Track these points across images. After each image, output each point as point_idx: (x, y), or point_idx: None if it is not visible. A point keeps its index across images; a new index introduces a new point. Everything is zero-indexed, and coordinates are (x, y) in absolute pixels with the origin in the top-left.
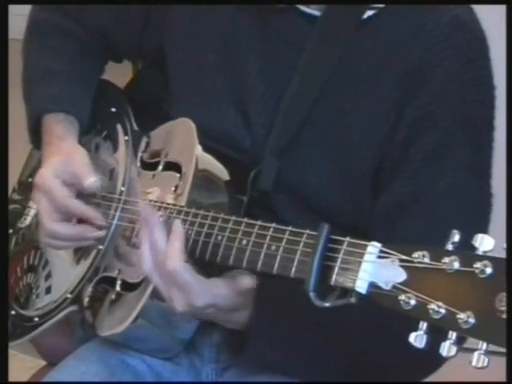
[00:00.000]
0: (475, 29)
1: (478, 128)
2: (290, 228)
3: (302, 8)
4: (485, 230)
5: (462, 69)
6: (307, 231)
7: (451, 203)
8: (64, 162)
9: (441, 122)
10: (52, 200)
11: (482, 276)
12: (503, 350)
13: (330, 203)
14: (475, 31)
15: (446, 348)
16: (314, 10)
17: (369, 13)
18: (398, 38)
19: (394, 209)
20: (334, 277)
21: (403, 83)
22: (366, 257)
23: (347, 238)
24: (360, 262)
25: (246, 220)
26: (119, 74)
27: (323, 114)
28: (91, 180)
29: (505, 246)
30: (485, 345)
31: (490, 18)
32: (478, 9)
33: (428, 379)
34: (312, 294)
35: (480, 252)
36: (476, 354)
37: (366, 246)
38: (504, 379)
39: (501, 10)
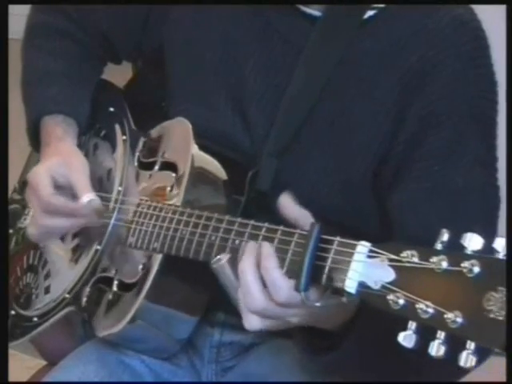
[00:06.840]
0: (476, 27)
1: (485, 123)
2: (281, 227)
3: (303, 8)
4: (496, 224)
5: (464, 66)
6: (298, 231)
7: (470, 200)
8: (61, 163)
9: (448, 119)
10: (38, 197)
11: (470, 275)
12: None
13: (328, 203)
14: (476, 30)
15: (435, 348)
16: (314, 10)
17: (369, 13)
18: (399, 38)
19: (406, 206)
20: (324, 277)
21: (404, 83)
22: (356, 256)
23: (337, 238)
24: (349, 262)
25: (239, 220)
26: (119, 74)
27: (323, 115)
28: (87, 199)
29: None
30: (473, 344)
31: (490, 18)
32: (478, 9)
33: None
34: (303, 294)
35: (469, 251)
36: (464, 353)
37: (356, 245)
38: (504, 379)
39: (501, 10)
